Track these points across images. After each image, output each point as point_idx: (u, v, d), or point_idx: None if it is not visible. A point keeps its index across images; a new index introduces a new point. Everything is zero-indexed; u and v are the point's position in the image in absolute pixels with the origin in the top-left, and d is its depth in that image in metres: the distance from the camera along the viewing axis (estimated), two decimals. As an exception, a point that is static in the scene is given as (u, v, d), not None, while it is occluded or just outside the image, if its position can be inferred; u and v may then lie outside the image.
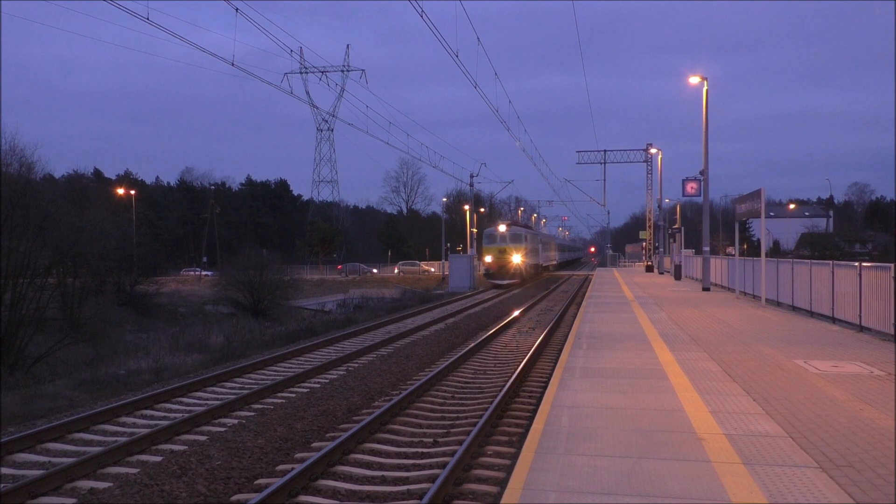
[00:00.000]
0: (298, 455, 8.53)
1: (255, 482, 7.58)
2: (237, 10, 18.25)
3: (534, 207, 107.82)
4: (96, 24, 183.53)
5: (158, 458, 8.22)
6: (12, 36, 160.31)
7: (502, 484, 6.86)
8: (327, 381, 12.81)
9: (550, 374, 11.67)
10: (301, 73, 49.40)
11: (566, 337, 15.27)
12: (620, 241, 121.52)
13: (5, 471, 8.01)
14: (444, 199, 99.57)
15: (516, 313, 25.59)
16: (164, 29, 16.45)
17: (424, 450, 8.68)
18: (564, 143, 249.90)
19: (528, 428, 8.00)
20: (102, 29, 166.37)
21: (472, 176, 61.78)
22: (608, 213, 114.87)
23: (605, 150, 56.17)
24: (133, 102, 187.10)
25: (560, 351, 13.53)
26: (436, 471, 7.72)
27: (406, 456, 8.50)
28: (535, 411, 9.26)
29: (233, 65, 20.52)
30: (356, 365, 14.50)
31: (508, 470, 6.90)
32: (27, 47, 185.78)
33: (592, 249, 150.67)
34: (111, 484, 7.37)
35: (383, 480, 7.61)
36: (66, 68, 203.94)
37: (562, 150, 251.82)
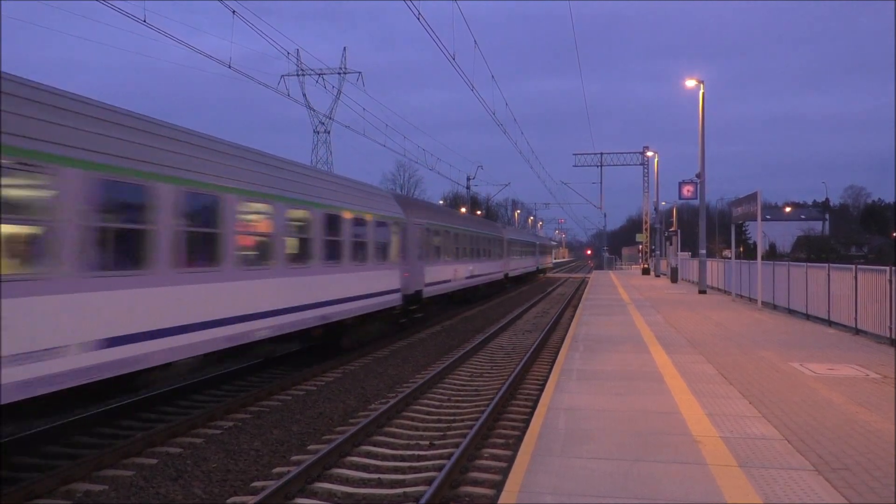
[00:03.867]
0: (294, 458, 8.52)
1: (252, 485, 7.57)
2: (234, 12, 18.23)
3: (530, 210, 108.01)
4: (94, 26, 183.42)
5: (154, 461, 8.20)
6: (12, 37, 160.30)
7: (499, 487, 6.86)
8: (323, 383, 12.79)
9: (547, 377, 11.66)
10: (298, 75, 49.27)
11: (563, 339, 15.28)
12: (617, 244, 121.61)
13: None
14: (441, 202, 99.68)
15: (512, 316, 25.59)
16: (161, 31, 16.42)
17: (421, 453, 8.67)
18: (561, 145, 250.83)
19: (524, 431, 8.00)
20: (100, 31, 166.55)
21: (468, 178, 61.94)
22: (605, 215, 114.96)
23: (601, 153, 56.26)
24: (130, 105, 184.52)
25: (557, 353, 13.54)
26: (432, 473, 7.71)
27: (403, 459, 8.49)
28: (531, 414, 9.27)
29: (230, 67, 20.49)
30: (352, 367, 14.49)
31: (505, 473, 6.90)
32: (26, 49, 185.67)
33: (589, 252, 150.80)
34: (107, 486, 7.35)
35: (380, 483, 7.60)
36: (64, 71, 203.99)
37: (558, 153, 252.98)
